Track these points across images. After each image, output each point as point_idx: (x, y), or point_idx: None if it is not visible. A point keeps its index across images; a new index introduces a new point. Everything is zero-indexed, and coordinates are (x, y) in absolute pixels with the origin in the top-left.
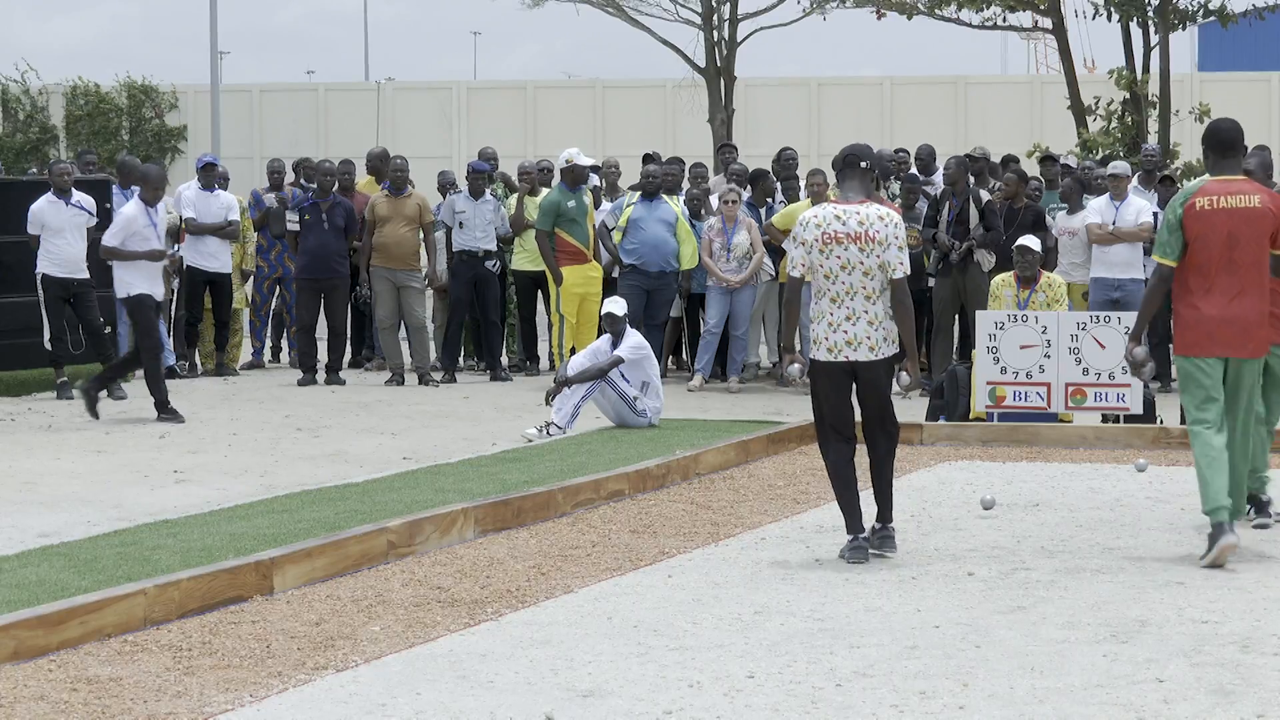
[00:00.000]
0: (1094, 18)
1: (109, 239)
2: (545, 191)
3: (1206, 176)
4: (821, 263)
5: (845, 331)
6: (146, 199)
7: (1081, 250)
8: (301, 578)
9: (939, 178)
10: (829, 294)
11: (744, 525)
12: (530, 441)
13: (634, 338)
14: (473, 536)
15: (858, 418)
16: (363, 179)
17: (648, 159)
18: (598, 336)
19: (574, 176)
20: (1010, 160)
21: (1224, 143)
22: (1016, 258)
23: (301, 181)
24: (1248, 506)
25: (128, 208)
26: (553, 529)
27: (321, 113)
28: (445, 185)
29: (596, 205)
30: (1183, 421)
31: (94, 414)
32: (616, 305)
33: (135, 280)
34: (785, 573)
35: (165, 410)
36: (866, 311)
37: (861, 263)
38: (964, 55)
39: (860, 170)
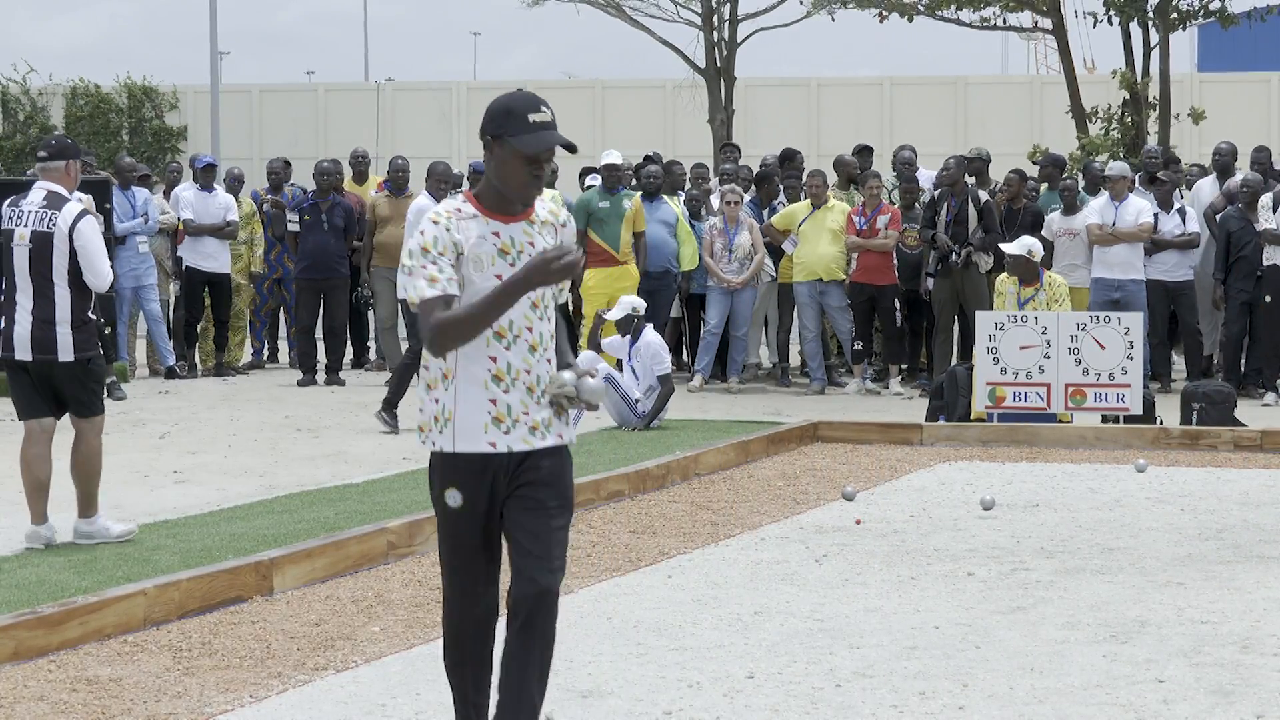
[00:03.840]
0: (1095, 25)
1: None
2: (548, 192)
3: None
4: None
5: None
6: (435, 192)
7: (1082, 251)
8: (301, 578)
9: (922, 176)
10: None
11: (744, 525)
12: None
13: (646, 340)
14: None
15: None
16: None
17: (648, 160)
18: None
19: (608, 178)
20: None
21: None
22: (1008, 263)
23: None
24: None
25: (419, 199)
26: None
27: (321, 113)
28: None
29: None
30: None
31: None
32: (633, 304)
33: None
34: (785, 573)
35: (388, 411)
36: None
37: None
38: (964, 55)
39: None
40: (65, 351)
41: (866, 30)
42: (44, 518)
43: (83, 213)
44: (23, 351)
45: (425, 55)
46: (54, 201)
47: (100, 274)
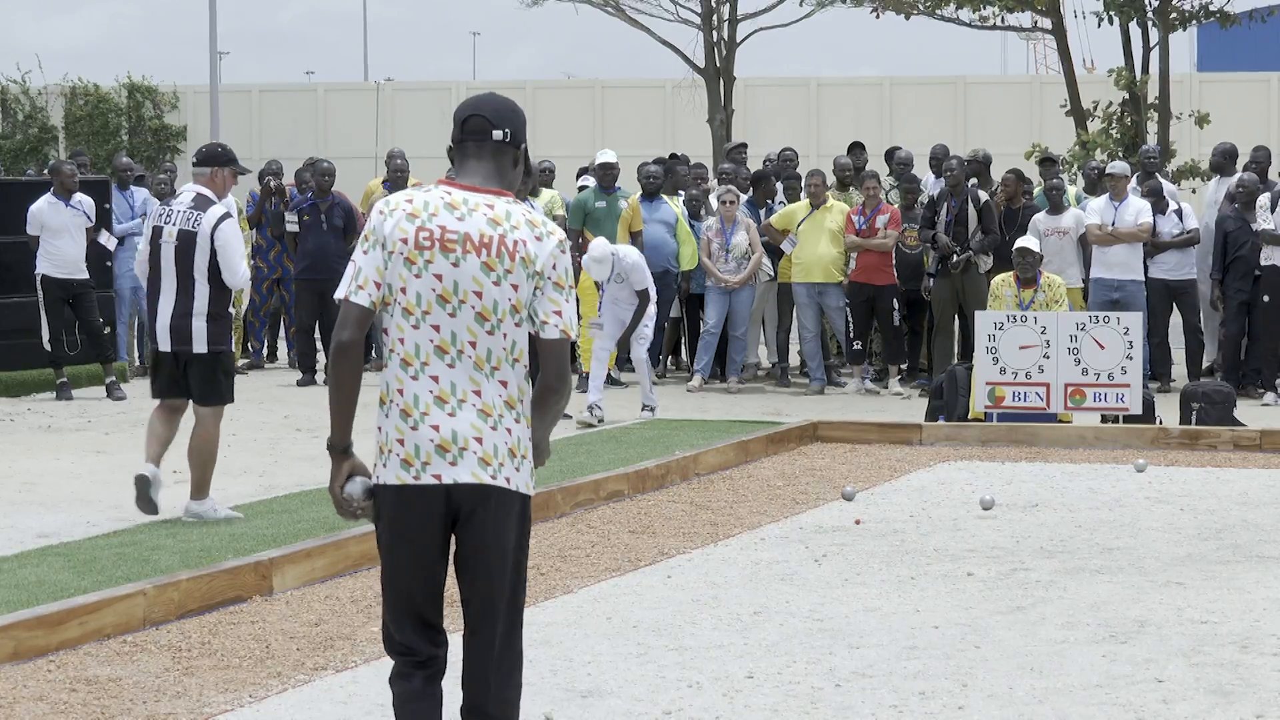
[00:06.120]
0: (1099, 25)
1: None
2: (546, 192)
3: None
4: (406, 283)
5: (436, 424)
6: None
7: (1071, 250)
8: (301, 578)
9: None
10: (401, 351)
11: (743, 525)
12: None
13: (626, 262)
14: None
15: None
16: (373, 179)
17: (674, 158)
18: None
19: (602, 177)
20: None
21: None
22: (1017, 259)
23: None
24: None
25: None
26: (552, 529)
27: (321, 113)
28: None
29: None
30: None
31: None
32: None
33: None
34: (785, 573)
35: None
36: (480, 390)
37: (479, 292)
38: (964, 55)
39: (495, 145)
40: (200, 343)
41: (866, 30)
42: (157, 461)
43: (225, 216)
44: (163, 342)
45: (425, 55)
46: (200, 204)
47: (237, 273)
